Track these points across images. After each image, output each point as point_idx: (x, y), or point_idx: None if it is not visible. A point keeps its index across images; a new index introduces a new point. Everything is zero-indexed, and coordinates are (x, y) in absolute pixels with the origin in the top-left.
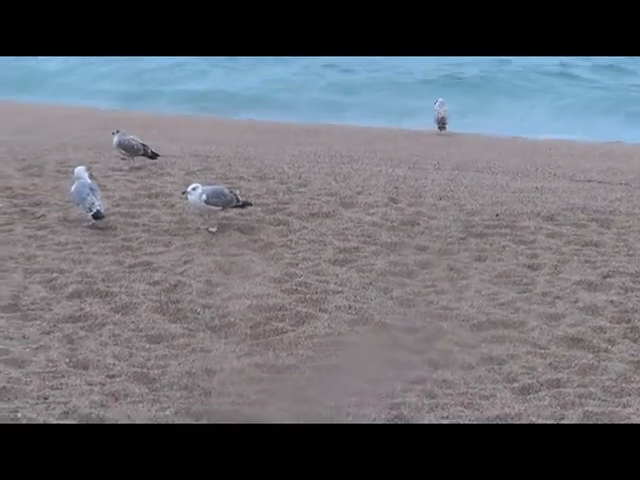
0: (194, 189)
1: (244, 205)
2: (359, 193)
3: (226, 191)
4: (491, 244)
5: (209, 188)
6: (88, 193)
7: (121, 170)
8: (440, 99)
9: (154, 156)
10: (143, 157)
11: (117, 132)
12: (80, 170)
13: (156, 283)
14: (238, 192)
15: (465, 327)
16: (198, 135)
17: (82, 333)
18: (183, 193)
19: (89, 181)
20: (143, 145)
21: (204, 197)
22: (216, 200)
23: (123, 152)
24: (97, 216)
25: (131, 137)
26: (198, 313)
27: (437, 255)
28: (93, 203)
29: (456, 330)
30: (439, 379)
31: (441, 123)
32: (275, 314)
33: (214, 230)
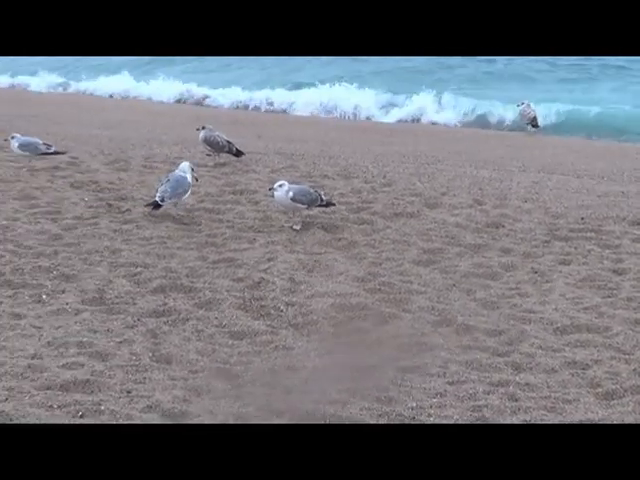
0: (280, 186)
1: (328, 204)
2: (443, 194)
3: (311, 190)
4: (576, 248)
5: (295, 186)
6: (162, 184)
7: (206, 166)
8: (525, 101)
9: (239, 154)
10: (228, 154)
11: (203, 128)
12: (185, 165)
13: (240, 280)
14: (322, 192)
15: (549, 330)
16: (283, 133)
17: (166, 328)
18: (270, 189)
19: (184, 175)
20: (228, 142)
21: (290, 194)
22: (302, 198)
23: (208, 148)
24: (150, 205)
25: (217, 133)
26: (281, 310)
27: (521, 258)
28: (157, 190)
29: (539, 333)
30: (522, 382)
31: (534, 121)
32: (358, 313)
33: (298, 228)
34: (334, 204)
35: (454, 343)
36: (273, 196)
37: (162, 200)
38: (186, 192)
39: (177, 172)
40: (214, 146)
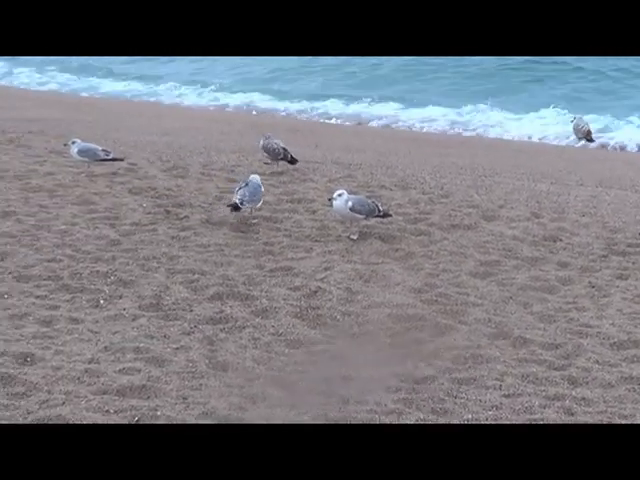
0: (340, 195)
1: (385, 215)
2: (501, 206)
3: (369, 200)
4: (634, 263)
5: (354, 196)
6: (240, 188)
7: (264, 174)
8: (577, 115)
9: (293, 161)
10: (283, 162)
11: (265, 136)
12: (257, 178)
13: (296, 288)
14: (380, 203)
15: (605, 345)
16: (341, 142)
17: (222, 335)
18: (329, 200)
19: (259, 184)
20: (284, 149)
21: (350, 204)
22: (360, 208)
23: (266, 155)
24: (230, 207)
25: (275, 141)
26: (338, 320)
27: (578, 272)
28: (236, 193)
29: (596, 348)
30: (578, 396)
31: (589, 135)
32: (414, 324)
33: (355, 238)
34: (391, 215)
35: (510, 356)
36: (332, 205)
37: (242, 203)
38: (260, 200)
39: (251, 178)
40: (270, 153)
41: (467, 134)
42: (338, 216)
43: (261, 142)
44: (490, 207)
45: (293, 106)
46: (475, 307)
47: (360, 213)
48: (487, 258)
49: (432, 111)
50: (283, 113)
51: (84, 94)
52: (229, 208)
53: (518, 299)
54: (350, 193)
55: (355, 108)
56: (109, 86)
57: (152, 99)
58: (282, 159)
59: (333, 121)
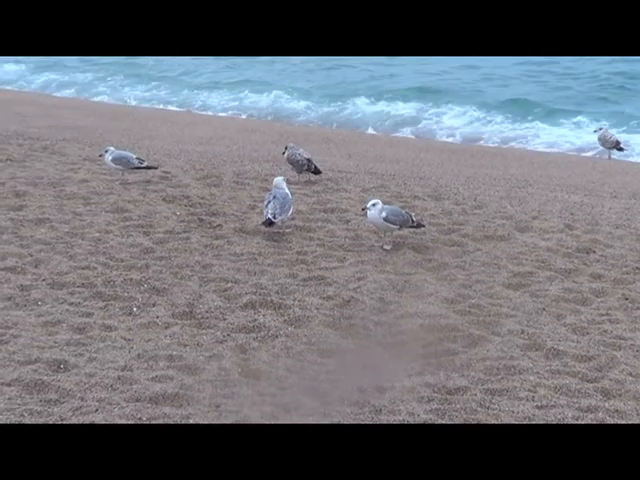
0: (374, 205)
1: (418, 226)
2: (534, 218)
3: (403, 211)
4: None
5: (388, 206)
6: (269, 201)
7: (297, 184)
8: (602, 126)
9: (317, 172)
10: (307, 172)
11: (286, 148)
12: (279, 181)
13: (329, 298)
14: (413, 213)
15: (639, 358)
16: (374, 152)
17: (255, 344)
18: (363, 209)
19: (285, 191)
20: (308, 160)
21: (384, 214)
22: (394, 218)
23: (291, 167)
24: (265, 224)
25: (298, 151)
26: (370, 330)
27: (612, 284)
28: (267, 211)
29: (630, 360)
30: (611, 409)
31: (618, 145)
32: (447, 334)
33: (389, 248)
34: (424, 225)
35: (543, 367)
36: (366, 215)
37: (274, 217)
38: (290, 207)
39: (277, 189)
40: (294, 164)
41: (500, 145)
42: (372, 226)
43: (285, 154)
44: (523, 218)
45: (326, 115)
46: (508, 318)
47: (394, 223)
48: (520, 269)
49: (465, 121)
50: (316, 122)
51: (117, 102)
52: (263, 225)
53: (551, 310)
54: (384, 203)
55: (389, 117)
56: (140, 94)
57: (185, 108)
58: (307, 170)
59: (370, 131)
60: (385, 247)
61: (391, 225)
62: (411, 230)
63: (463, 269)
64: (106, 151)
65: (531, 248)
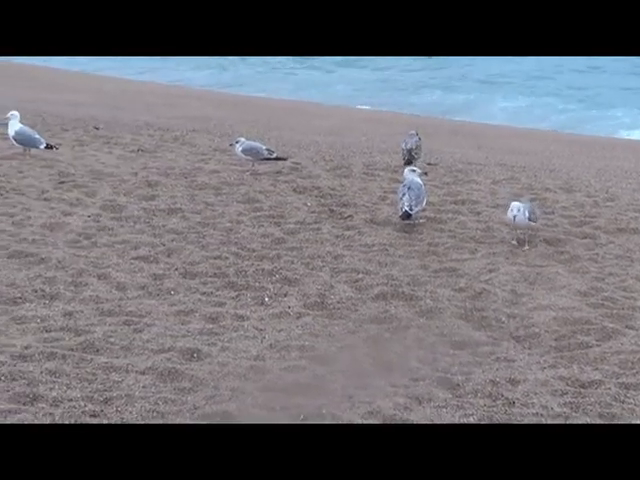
0: (519, 210)
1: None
2: None
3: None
4: None
5: (527, 204)
6: (404, 193)
7: (426, 175)
8: None
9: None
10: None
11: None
12: (406, 172)
13: (461, 290)
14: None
15: None
16: (502, 144)
17: (387, 335)
18: (516, 213)
19: (419, 181)
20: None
21: (527, 214)
22: (534, 216)
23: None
24: (402, 216)
25: (414, 139)
26: (503, 322)
27: None
28: (403, 203)
29: None
30: None
31: None
32: (580, 327)
33: (526, 248)
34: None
35: None
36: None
37: (411, 209)
38: (424, 198)
39: (410, 179)
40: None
41: (630, 138)
42: (517, 226)
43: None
44: None
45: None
46: None
47: (535, 221)
48: None
49: (596, 114)
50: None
51: (245, 93)
52: (400, 218)
53: None
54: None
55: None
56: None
57: (315, 99)
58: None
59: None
60: (524, 249)
61: (532, 223)
62: (544, 222)
63: (595, 262)
64: (237, 142)
65: None
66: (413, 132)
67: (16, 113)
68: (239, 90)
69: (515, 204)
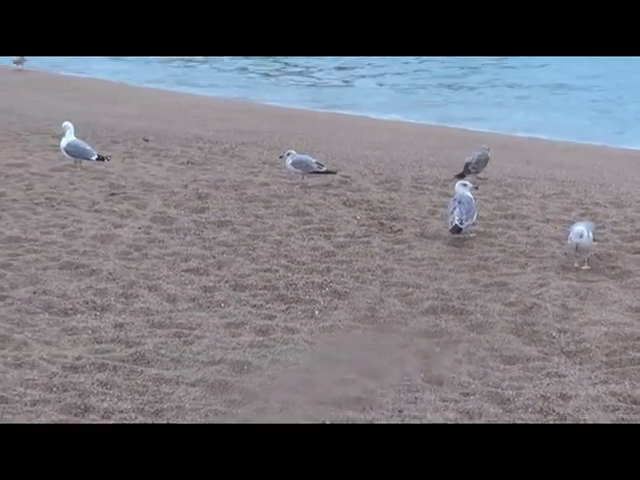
0: (581, 236)
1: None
2: None
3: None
4: None
5: (589, 224)
6: (455, 207)
7: (477, 188)
8: None
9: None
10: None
11: (288, 154)
12: (458, 186)
13: (511, 304)
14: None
15: None
16: (551, 159)
17: (437, 349)
18: (579, 240)
19: (470, 196)
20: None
21: (591, 235)
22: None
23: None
24: (452, 230)
25: (479, 153)
26: (553, 337)
27: None
28: (453, 217)
29: None
30: None
31: None
32: (632, 343)
33: (586, 268)
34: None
35: None
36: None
37: (461, 223)
38: (475, 213)
39: (460, 193)
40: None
41: None
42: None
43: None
44: None
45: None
46: None
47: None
48: None
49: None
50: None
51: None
52: (450, 232)
53: None
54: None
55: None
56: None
57: (361, 113)
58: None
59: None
60: (584, 267)
61: (595, 243)
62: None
63: None
64: (288, 154)
65: None
66: (484, 146)
67: (70, 124)
68: (286, 104)
69: (577, 229)
